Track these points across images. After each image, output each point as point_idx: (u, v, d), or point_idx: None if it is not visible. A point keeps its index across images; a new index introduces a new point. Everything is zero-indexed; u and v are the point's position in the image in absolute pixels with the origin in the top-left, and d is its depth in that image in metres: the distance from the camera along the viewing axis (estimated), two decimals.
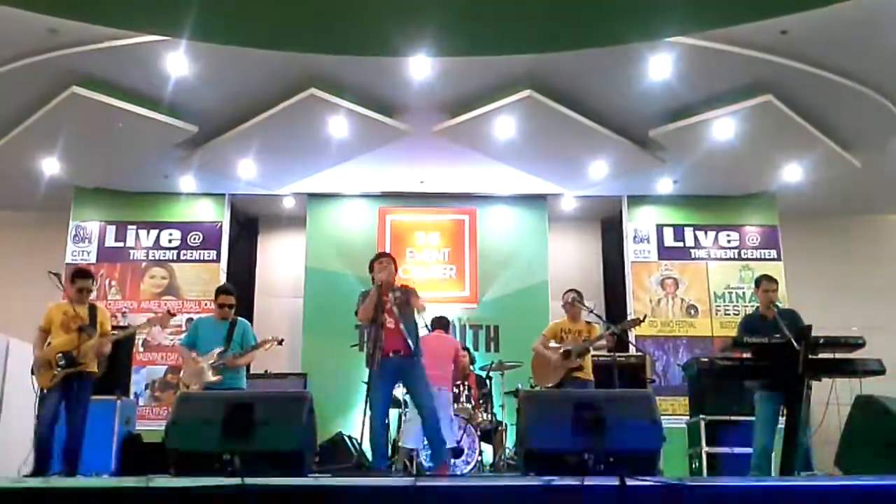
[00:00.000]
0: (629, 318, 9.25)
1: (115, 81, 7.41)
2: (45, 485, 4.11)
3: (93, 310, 6.36)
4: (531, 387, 8.12)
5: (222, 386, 6.27)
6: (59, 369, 6.08)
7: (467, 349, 8.93)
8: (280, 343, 6.73)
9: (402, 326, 5.82)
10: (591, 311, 6.98)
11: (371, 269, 6.01)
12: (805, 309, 6.33)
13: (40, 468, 5.87)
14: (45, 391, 6.09)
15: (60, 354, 6.10)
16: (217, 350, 6.40)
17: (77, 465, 5.99)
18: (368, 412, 5.68)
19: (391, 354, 5.75)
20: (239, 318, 6.72)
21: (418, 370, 5.84)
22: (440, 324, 7.85)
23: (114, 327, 6.77)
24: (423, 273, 10.08)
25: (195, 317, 9.69)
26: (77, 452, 6.03)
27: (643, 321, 7.13)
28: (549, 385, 6.77)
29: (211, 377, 6.31)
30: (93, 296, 9.16)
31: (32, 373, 6.15)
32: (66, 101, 7.46)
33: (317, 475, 4.51)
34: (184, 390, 6.33)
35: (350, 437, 8.53)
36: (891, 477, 4.16)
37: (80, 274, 6.45)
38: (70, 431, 6.09)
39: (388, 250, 9.96)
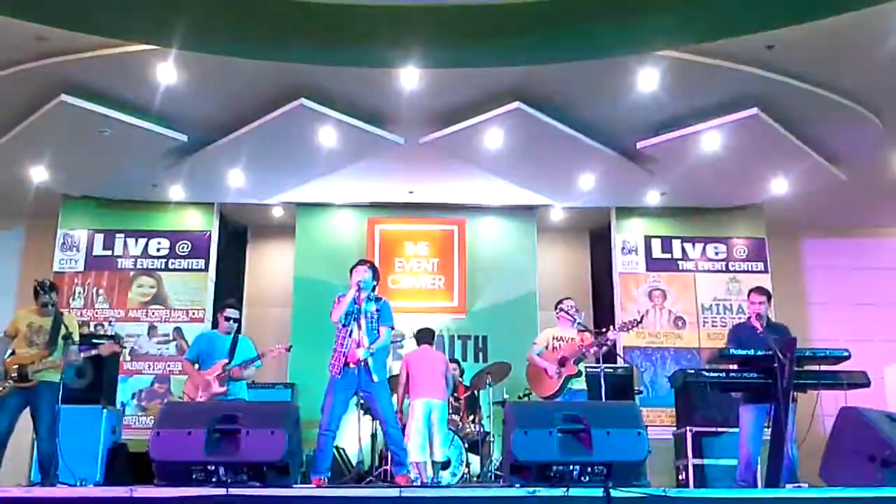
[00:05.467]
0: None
1: (104, 90, 7.38)
2: (28, 494, 4.09)
3: (57, 320, 6.26)
4: (520, 396, 8.14)
5: (228, 397, 6.43)
6: (10, 381, 6.05)
7: (457, 361, 8.92)
8: (288, 350, 6.91)
9: (366, 341, 5.84)
10: (579, 323, 6.94)
11: (351, 275, 6.11)
12: (791, 321, 6.38)
13: None
14: None
15: (16, 367, 6.08)
16: (222, 362, 6.49)
17: (52, 475, 5.94)
18: (362, 420, 5.77)
19: (352, 365, 5.77)
20: (240, 334, 6.86)
21: (381, 388, 5.87)
22: (426, 337, 7.78)
23: (97, 336, 6.77)
24: (411, 283, 10.09)
25: (182, 326, 9.75)
26: (49, 462, 5.98)
27: (641, 321, 7.12)
28: (547, 395, 6.68)
29: (218, 388, 6.43)
30: (80, 303, 9.17)
31: None
32: (55, 109, 7.43)
33: (302, 486, 4.50)
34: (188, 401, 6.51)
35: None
36: (874, 489, 4.20)
37: (43, 288, 6.28)
38: (38, 442, 6.11)
39: (376, 260, 9.97)
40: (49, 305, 6.26)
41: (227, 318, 6.77)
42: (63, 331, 6.15)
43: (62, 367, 6.07)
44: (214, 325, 6.96)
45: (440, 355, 7.82)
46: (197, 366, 6.65)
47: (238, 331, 6.88)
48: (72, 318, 6.58)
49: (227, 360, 6.52)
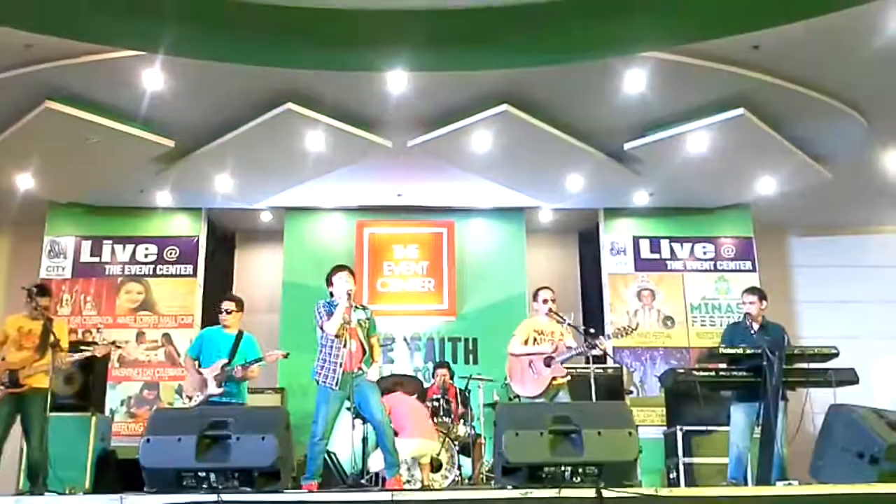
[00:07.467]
0: (608, 330, 9.32)
1: (90, 96, 7.34)
2: None
3: (47, 325, 6.22)
4: (511, 398, 8.13)
5: (224, 399, 6.30)
6: (1, 387, 6.04)
7: (447, 363, 8.92)
8: (286, 357, 6.71)
9: (363, 352, 5.86)
10: (568, 323, 6.89)
11: (329, 282, 6.02)
12: (779, 319, 6.41)
13: None
14: None
15: (8, 372, 6.07)
16: (221, 362, 6.40)
17: (40, 483, 5.91)
18: (355, 426, 5.73)
19: (346, 372, 5.76)
20: (245, 332, 6.72)
21: (370, 385, 5.87)
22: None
23: (85, 343, 6.70)
24: (401, 286, 10.07)
25: (171, 332, 9.71)
26: (38, 470, 5.95)
27: (636, 329, 7.13)
28: (533, 395, 6.55)
29: (214, 389, 6.32)
30: (68, 310, 9.10)
31: None
32: (41, 115, 7.38)
33: (293, 491, 4.49)
34: (185, 401, 6.46)
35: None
36: (863, 486, 4.22)
37: (38, 292, 6.32)
38: (28, 449, 6.08)
39: (366, 264, 9.98)
40: (38, 309, 6.23)
41: (221, 311, 6.64)
42: (51, 338, 6.09)
43: (51, 373, 6.01)
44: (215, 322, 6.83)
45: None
46: (198, 363, 6.59)
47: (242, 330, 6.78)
48: (62, 325, 6.52)
49: (226, 361, 6.44)
